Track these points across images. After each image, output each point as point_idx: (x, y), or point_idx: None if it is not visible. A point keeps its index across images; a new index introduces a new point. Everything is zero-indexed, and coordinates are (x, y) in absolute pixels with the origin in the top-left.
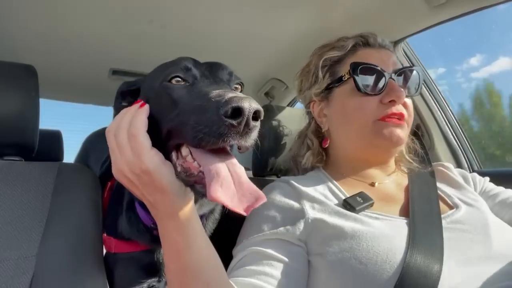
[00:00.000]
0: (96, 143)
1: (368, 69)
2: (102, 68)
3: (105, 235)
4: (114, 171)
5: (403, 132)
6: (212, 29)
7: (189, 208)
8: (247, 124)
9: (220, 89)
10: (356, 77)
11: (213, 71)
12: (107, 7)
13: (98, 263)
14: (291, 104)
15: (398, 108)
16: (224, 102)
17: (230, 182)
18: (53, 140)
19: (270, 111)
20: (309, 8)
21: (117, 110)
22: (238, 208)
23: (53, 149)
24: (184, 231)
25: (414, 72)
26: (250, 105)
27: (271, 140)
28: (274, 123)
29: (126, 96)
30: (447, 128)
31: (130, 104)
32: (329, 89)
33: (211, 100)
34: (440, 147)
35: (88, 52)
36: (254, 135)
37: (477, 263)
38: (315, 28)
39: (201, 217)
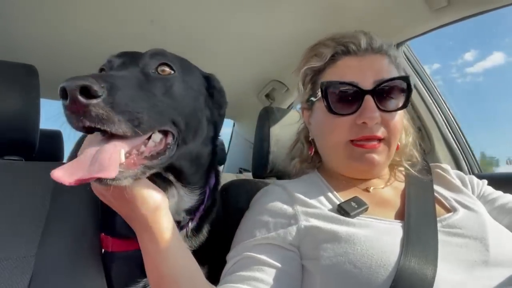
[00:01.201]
0: None
1: (342, 88)
2: None
3: (102, 234)
4: (92, 187)
5: (379, 156)
6: (213, 30)
7: (161, 220)
8: (77, 102)
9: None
10: (328, 98)
11: (134, 58)
12: (108, 7)
13: (97, 263)
14: (292, 106)
15: (373, 130)
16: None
17: (85, 159)
18: (54, 140)
19: (271, 113)
20: (310, 11)
21: None
22: (67, 179)
23: (53, 149)
24: (159, 242)
25: (399, 82)
26: (74, 82)
27: (271, 142)
28: (275, 125)
29: None
30: (448, 131)
31: None
32: (310, 100)
33: None
34: (440, 150)
35: (89, 53)
36: (101, 113)
37: (473, 268)
38: (316, 30)
39: (193, 213)
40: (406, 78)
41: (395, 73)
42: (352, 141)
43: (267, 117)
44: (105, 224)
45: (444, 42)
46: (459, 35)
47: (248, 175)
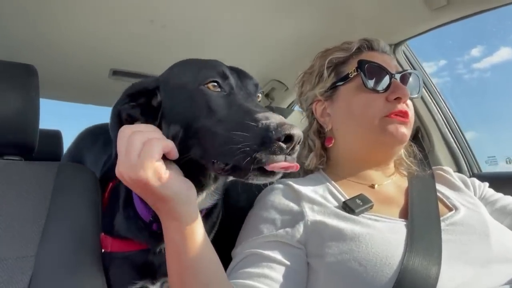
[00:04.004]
0: (93, 142)
1: (374, 68)
2: (102, 68)
3: (102, 234)
4: (116, 170)
5: (407, 130)
6: (213, 29)
7: (191, 212)
8: (293, 147)
9: (259, 108)
10: (363, 74)
11: (243, 81)
12: (108, 7)
13: (97, 263)
14: (291, 106)
15: (404, 107)
16: (277, 127)
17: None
18: (53, 140)
19: None
20: (310, 10)
21: (117, 113)
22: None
23: (53, 149)
24: (186, 233)
25: (415, 75)
26: (299, 133)
27: None
28: None
29: (138, 98)
30: (447, 131)
31: (140, 104)
32: (333, 88)
33: (259, 121)
34: (440, 150)
35: (89, 52)
36: (298, 152)
37: (477, 265)
38: (316, 30)
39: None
40: (418, 72)
41: None
42: (386, 116)
43: None
44: (105, 224)
45: (451, 38)
46: (465, 31)
47: None
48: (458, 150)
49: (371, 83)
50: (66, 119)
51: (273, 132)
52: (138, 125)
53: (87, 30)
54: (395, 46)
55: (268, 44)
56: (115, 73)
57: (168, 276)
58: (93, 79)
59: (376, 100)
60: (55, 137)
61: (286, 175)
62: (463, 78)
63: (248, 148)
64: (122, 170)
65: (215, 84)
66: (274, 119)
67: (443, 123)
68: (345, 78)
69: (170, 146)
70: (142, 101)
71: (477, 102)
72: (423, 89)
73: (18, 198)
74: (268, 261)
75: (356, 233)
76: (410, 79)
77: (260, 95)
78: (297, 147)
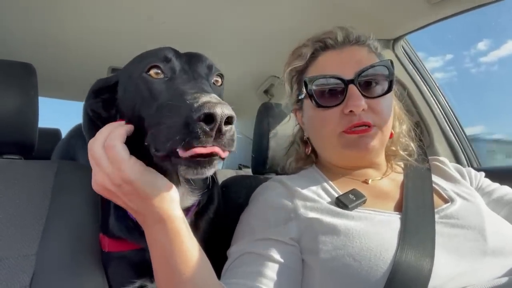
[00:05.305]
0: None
1: (324, 81)
2: (101, 66)
3: (101, 234)
4: (93, 184)
5: (373, 140)
6: (212, 25)
7: (174, 211)
8: (219, 129)
9: (196, 89)
10: (312, 94)
11: (192, 64)
12: (106, 4)
13: (98, 262)
14: None
15: (362, 117)
16: (198, 107)
17: None
18: (52, 139)
19: (270, 109)
20: (308, 4)
21: (86, 110)
22: None
23: (52, 148)
24: (171, 233)
25: (380, 68)
26: (223, 111)
27: (270, 138)
28: (273, 121)
29: (102, 93)
30: (447, 125)
31: (105, 100)
32: (299, 100)
33: (186, 102)
34: (440, 145)
35: (87, 50)
36: (229, 138)
37: (472, 258)
38: (314, 24)
39: (188, 210)
40: (385, 62)
41: (376, 61)
42: (343, 131)
43: (266, 113)
44: (102, 224)
45: (456, 33)
46: (471, 24)
47: (248, 171)
48: (457, 145)
49: (322, 100)
50: (65, 117)
51: (194, 112)
52: (98, 132)
53: (86, 28)
54: (394, 41)
55: (266, 40)
56: (114, 71)
57: (155, 280)
58: (92, 77)
59: (331, 116)
60: (54, 135)
61: (280, 172)
62: (470, 72)
63: (172, 133)
64: (102, 181)
65: (157, 70)
66: (203, 98)
67: (443, 117)
68: (303, 93)
69: (122, 133)
70: (105, 96)
71: (485, 96)
72: (417, 88)
73: (18, 197)
74: (262, 259)
75: (349, 228)
76: (375, 73)
77: (219, 78)
78: (226, 129)
